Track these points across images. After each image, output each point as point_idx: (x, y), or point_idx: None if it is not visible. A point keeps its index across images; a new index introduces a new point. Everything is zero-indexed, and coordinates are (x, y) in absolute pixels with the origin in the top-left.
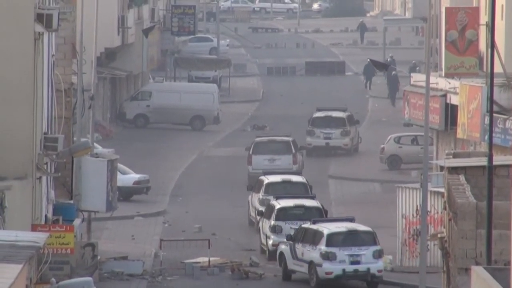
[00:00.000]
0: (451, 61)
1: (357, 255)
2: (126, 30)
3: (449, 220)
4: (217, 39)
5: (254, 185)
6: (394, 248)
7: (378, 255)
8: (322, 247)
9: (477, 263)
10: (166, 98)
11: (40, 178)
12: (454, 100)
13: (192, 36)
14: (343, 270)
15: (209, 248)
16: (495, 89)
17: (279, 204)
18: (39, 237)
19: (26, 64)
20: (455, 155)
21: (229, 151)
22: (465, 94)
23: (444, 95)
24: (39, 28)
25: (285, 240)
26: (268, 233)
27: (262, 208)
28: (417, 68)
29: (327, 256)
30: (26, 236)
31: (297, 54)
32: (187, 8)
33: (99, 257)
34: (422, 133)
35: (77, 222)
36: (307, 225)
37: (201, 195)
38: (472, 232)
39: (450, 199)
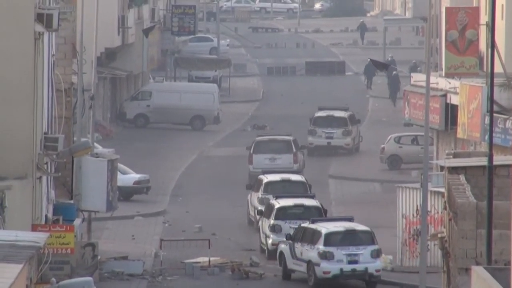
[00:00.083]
0: (451, 61)
1: (355, 255)
2: (126, 30)
3: (449, 220)
4: (217, 39)
5: (253, 184)
6: (394, 248)
7: (376, 254)
8: (320, 246)
9: (477, 263)
10: (166, 98)
11: (40, 178)
12: (454, 100)
13: (192, 36)
14: (341, 269)
15: (209, 248)
16: (495, 89)
17: (278, 203)
18: (39, 237)
19: (26, 64)
20: (455, 155)
21: (229, 151)
22: (465, 94)
23: (444, 95)
24: (39, 28)
25: (285, 239)
26: (268, 232)
27: (261, 207)
28: (419, 68)
29: (325, 256)
30: (26, 236)
31: (297, 54)
32: (187, 8)
33: (99, 257)
34: (422, 133)
35: (77, 222)
36: (306, 224)
37: (201, 195)
38: (472, 232)
39: (450, 199)
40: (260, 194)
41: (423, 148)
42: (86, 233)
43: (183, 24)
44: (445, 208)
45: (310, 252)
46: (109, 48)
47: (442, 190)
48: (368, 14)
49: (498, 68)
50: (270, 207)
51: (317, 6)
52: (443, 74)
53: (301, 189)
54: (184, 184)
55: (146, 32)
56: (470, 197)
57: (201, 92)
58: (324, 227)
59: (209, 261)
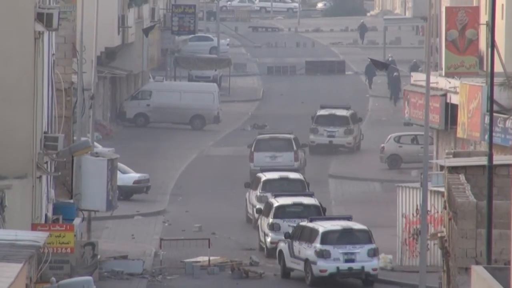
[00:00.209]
0: (451, 60)
1: (352, 253)
2: (126, 29)
3: (449, 219)
4: (217, 38)
5: (252, 182)
6: (394, 247)
7: (373, 253)
8: (317, 245)
9: (477, 263)
10: (166, 97)
11: (40, 177)
12: (454, 99)
13: (192, 36)
14: (337, 268)
15: (209, 247)
16: (495, 89)
17: (277, 202)
18: (39, 236)
19: (26, 63)
20: (455, 155)
21: (229, 150)
22: (465, 93)
23: (444, 95)
24: (39, 27)
25: (283, 237)
26: (267, 230)
27: (259, 205)
28: (420, 68)
29: (322, 254)
30: (26, 235)
31: (297, 53)
32: (187, 7)
33: (99, 256)
34: (422, 133)
35: (77, 221)
36: (304, 223)
37: (201, 194)
38: (472, 231)
39: (450, 198)
40: (258, 192)
41: (423, 147)
42: (86, 233)
43: (183, 23)
44: (445, 208)
45: (308, 251)
46: (109, 47)
47: (442, 189)
48: (368, 14)
49: (498, 68)
50: (269, 206)
51: (320, 5)
52: (443, 74)
53: (299, 187)
54: (184, 183)
55: (146, 31)
56: (470, 197)
57: (201, 91)
58: (322, 226)
59: (209, 260)
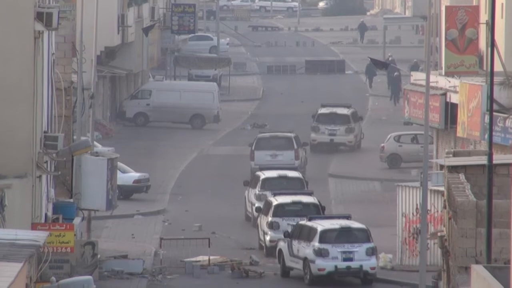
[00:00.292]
0: (451, 59)
1: (350, 252)
2: (126, 28)
3: (449, 218)
4: (217, 37)
5: (251, 180)
6: (394, 246)
7: (372, 252)
8: (316, 243)
9: (477, 262)
10: (166, 96)
11: (40, 176)
12: (454, 98)
13: (192, 35)
14: (335, 266)
15: (209, 246)
16: (495, 88)
17: (276, 200)
18: (39, 236)
19: (26, 63)
20: (455, 154)
21: (229, 149)
22: (465, 92)
23: (444, 94)
24: (39, 26)
25: (283, 236)
26: (266, 229)
27: (258, 203)
28: (420, 68)
29: (320, 253)
30: (26, 235)
31: (297, 52)
32: (187, 7)
33: (99, 256)
34: (422, 132)
35: (77, 220)
36: (303, 222)
37: (201, 193)
38: (472, 230)
39: (450, 197)
40: (257, 190)
41: (423, 147)
42: (86, 232)
43: (183, 22)
44: (444, 207)
45: (306, 249)
46: (109, 46)
47: (442, 189)
48: (368, 13)
49: (497, 67)
50: (268, 204)
51: (321, 4)
52: (443, 73)
53: (298, 185)
54: (184, 183)
55: (146, 30)
56: (469, 196)
57: (201, 91)
58: (320, 225)
59: (209, 260)
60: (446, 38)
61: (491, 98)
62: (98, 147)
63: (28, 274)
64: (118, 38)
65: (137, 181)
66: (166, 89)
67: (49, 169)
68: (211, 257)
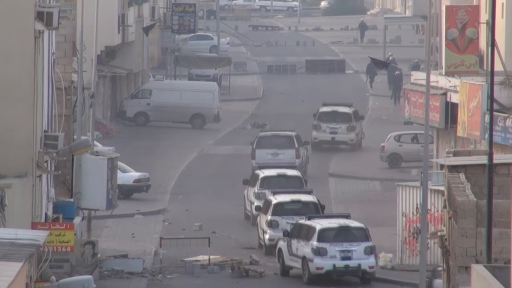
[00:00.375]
0: (451, 59)
1: (348, 251)
2: (126, 28)
3: (449, 218)
4: (218, 37)
5: (250, 179)
6: (394, 246)
7: (370, 251)
8: (314, 242)
9: (477, 261)
10: (167, 96)
11: (40, 176)
12: (454, 98)
13: (192, 34)
14: (334, 265)
15: (209, 246)
16: (495, 87)
17: (275, 199)
18: (39, 235)
19: (27, 62)
20: (455, 154)
21: (229, 149)
22: (465, 92)
23: (445, 94)
24: (39, 26)
25: (282, 235)
26: (265, 228)
27: (257, 202)
28: (421, 67)
29: (318, 252)
30: (26, 234)
31: (297, 52)
32: (187, 6)
33: (99, 255)
34: (422, 131)
35: (77, 220)
36: (303, 221)
37: (201, 193)
38: (472, 230)
39: (450, 197)
40: (256, 189)
41: (423, 146)
42: (86, 231)
43: (183, 22)
44: (445, 207)
45: (305, 248)
46: (109, 46)
47: (442, 188)
48: (368, 12)
49: (498, 67)
50: (267, 203)
51: (323, 3)
52: (443, 73)
53: (297, 184)
54: (184, 182)
55: (146, 30)
56: (470, 196)
57: (201, 90)
58: (319, 224)
59: (209, 259)
60: (446, 38)
61: (491, 98)
62: (99, 146)
63: (28, 274)
64: (118, 37)
65: (137, 180)
66: (166, 88)
67: (49, 168)
68: (211, 257)
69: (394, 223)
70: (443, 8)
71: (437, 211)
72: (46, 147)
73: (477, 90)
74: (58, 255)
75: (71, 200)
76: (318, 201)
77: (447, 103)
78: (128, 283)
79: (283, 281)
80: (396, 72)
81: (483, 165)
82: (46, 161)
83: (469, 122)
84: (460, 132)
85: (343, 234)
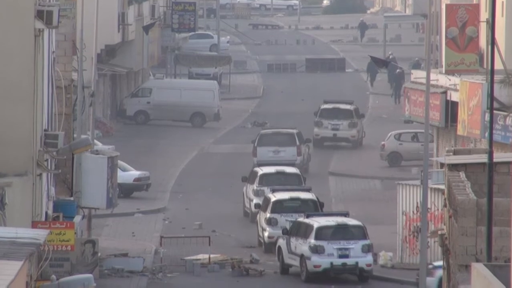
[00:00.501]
0: (451, 58)
1: (346, 249)
2: (126, 27)
3: (450, 217)
4: (218, 36)
5: (249, 176)
6: (394, 245)
7: (368, 249)
8: (312, 240)
9: (477, 260)
10: (167, 95)
11: (40, 175)
12: (454, 97)
13: (192, 33)
14: (331, 263)
15: (209, 245)
16: (496, 86)
17: (274, 196)
18: (40, 234)
19: (27, 61)
20: (456, 152)
21: (230, 147)
22: (466, 91)
23: (445, 92)
24: (39, 24)
25: (281, 233)
26: (264, 225)
27: (256, 199)
28: (422, 66)
29: (316, 249)
30: (27, 233)
31: (297, 51)
32: (187, 5)
33: (99, 254)
34: (423, 130)
35: (77, 219)
36: (301, 218)
37: (201, 192)
38: (472, 229)
39: (451, 196)
40: (255, 186)
41: (423, 145)
42: (86, 230)
43: (183, 21)
44: (445, 205)
45: (303, 246)
46: (109, 45)
47: (442, 187)
48: (368, 11)
49: (498, 65)
50: (266, 201)
51: (325, 1)
52: (443, 71)
53: (296, 181)
54: (184, 181)
55: (146, 29)
56: (470, 194)
57: (201, 89)
58: (317, 222)
59: (209, 258)
60: (446, 36)
61: (491, 96)
62: (99, 145)
63: (29, 272)
64: (118, 36)
65: (137, 179)
66: (166, 87)
67: (49, 167)
68: (212, 255)
69: (394, 222)
70: (443, 7)
71: (437, 209)
72: (46, 145)
73: (477, 88)
74: (58, 254)
75: (71, 198)
76: (317, 198)
77: (447, 101)
78: (128, 282)
79: (283, 279)
80: (397, 71)
81: (483, 163)
82: (46, 160)
83: (469, 120)
84: (460, 130)
85: (340, 232)
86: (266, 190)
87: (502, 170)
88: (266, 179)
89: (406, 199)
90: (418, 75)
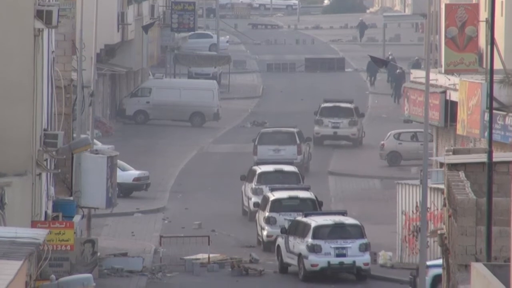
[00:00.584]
0: (450, 57)
1: (343, 248)
2: (126, 26)
3: (449, 216)
4: (217, 35)
5: (247, 175)
6: (394, 244)
7: (365, 248)
8: (309, 239)
9: (477, 260)
10: (166, 94)
11: (40, 174)
12: (453, 96)
13: (192, 33)
14: (328, 262)
15: (209, 244)
16: (495, 86)
17: (273, 195)
18: (39, 234)
19: (26, 61)
20: (455, 152)
21: (229, 147)
22: (465, 90)
23: (444, 92)
24: (39, 24)
25: (280, 232)
26: (263, 224)
27: (254, 197)
28: (422, 66)
29: (313, 249)
30: (26, 233)
31: (297, 50)
32: (187, 5)
33: (99, 254)
34: (422, 130)
35: (77, 218)
36: (299, 217)
37: (200, 191)
38: (472, 228)
39: (450, 195)
40: (253, 184)
41: (422, 144)
42: (85, 230)
43: (183, 20)
44: (444, 205)
45: (301, 245)
46: (109, 44)
47: (442, 186)
48: (368, 11)
49: (497, 65)
50: (265, 200)
51: (326, 1)
52: (443, 71)
53: (294, 180)
54: (183, 180)
55: (146, 28)
56: (469, 194)
57: (201, 88)
58: (314, 221)
59: (209, 257)
60: (445, 36)
61: (491, 96)
62: (98, 145)
63: (28, 272)
64: (118, 36)
65: (137, 179)
66: (166, 87)
67: (49, 167)
68: (211, 255)
69: (393, 221)
70: (443, 6)
71: (437, 209)
72: (45, 145)
73: (476, 88)
74: (57, 253)
75: (71, 198)
76: (316, 197)
77: (446, 101)
78: (127, 281)
79: (282, 279)
80: (398, 71)
81: (483, 163)
82: (46, 160)
83: (469, 120)
84: (459, 130)
85: (338, 231)
86: (265, 188)
87: (502, 170)
88: (264, 178)
89: (405, 199)
90: (418, 74)
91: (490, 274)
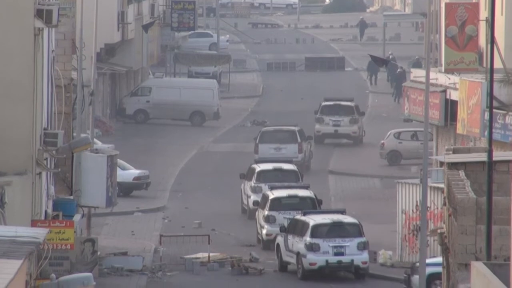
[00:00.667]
0: (451, 56)
1: (341, 247)
2: (126, 25)
3: (449, 215)
4: (217, 34)
5: (246, 173)
6: (394, 243)
7: (363, 246)
8: (307, 238)
9: (477, 259)
10: (166, 93)
11: (40, 173)
12: (454, 95)
13: (192, 32)
14: (326, 261)
15: (209, 243)
16: (495, 85)
17: (272, 194)
18: (39, 233)
19: (26, 60)
20: (455, 151)
21: (229, 146)
22: (465, 89)
23: (444, 91)
24: (39, 23)
25: (279, 231)
26: (262, 223)
27: (253, 196)
28: (423, 66)
29: (311, 247)
30: (26, 232)
31: (297, 49)
32: (186, 4)
33: (99, 253)
34: (422, 129)
35: (77, 217)
36: (298, 216)
37: (200, 190)
38: (472, 227)
39: (450, 194)
40: (252, 182)
41: (422, 143)
42: (85, 229)
43: (183, 19)
44: (444, 204)
45: (299, 244)
46: (109, 43)
47: (442, 185)
48: (368, 10)
49: (497, 64)
50: (265, 198)
51: (327, 1)
52: (443, 70)
53: (293, 178)
54: (183, 180)
55: (146, 27)
56: (469, 193)
57: (201, 88)
58: (313, 219)
59: (209, 256)
60: (445, 35)
61: (491, 95)
62: (98, 144)
63: (28, 271)
64: (118, 35)
65: (137, 178)
66: (166, 86)
67: (49, 166)
68: (211, 254)
69: (393, 221)
70: (443, 5)
71: (437, 208)
72: (45, 144)
73: (476, 87)
74: (58, 252)
75: (71, 197)
76: (315, 196)
77: (446, 100)
78: (127, 280)
79: (282, 278)
80: (398, 70)
81: (483, 162)
82: (46, 159)
83: (469, 119)
84: (459, 129)
85: (336, 230)
86: (264, 186)
87: (502, 169)
88: (263, 176)
89: (405, 198)
90: (418, 74)
91: (490, 273)
